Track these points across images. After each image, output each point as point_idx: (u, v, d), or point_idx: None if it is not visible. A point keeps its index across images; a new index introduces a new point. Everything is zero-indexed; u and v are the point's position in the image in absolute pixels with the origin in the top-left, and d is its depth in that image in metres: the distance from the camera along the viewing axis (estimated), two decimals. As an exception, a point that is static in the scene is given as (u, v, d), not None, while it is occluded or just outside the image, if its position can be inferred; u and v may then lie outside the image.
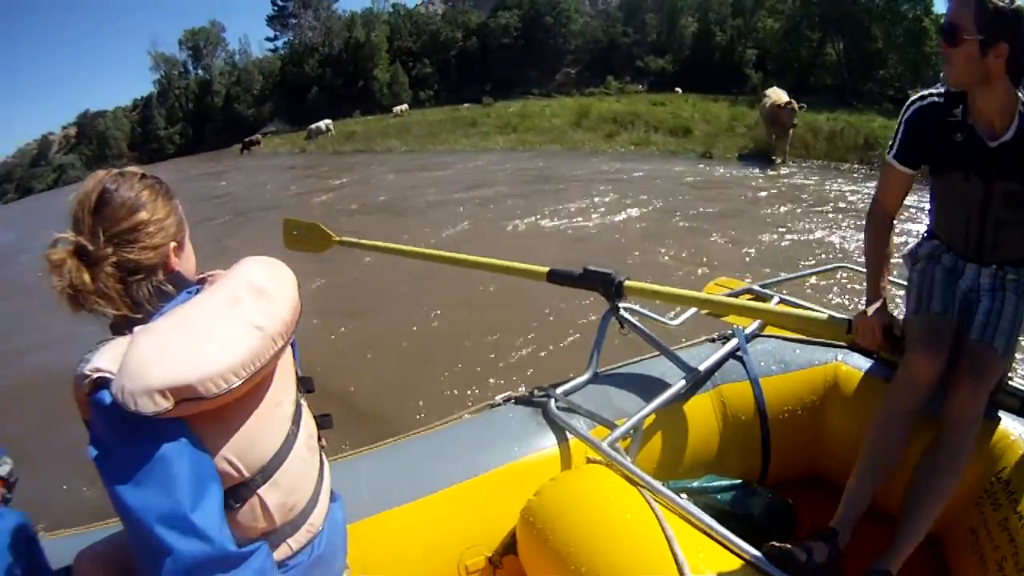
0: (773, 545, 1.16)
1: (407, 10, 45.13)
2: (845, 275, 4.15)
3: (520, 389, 1.88)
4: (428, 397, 3.37)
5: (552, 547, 1.20)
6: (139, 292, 0.88)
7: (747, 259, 5.71)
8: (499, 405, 1.68)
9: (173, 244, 0.95)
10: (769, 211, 7.47)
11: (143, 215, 0.90)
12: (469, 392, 3.34)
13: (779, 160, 10.21)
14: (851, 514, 1.32)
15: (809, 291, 4.12)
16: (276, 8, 46.25)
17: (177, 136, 49.36)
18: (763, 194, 8.48)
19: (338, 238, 2.48)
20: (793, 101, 9.52)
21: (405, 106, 33.71)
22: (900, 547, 1.28)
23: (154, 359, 0.78)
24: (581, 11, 46.82)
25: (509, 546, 1.36)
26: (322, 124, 25.77)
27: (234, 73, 48.48)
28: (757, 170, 9.98)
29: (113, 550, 1.08)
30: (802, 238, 6.26)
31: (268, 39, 48.68)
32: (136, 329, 0.82)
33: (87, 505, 2.57)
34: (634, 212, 7.80)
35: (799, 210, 7.35)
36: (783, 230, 6.53)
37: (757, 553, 1.12)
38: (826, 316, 1.58)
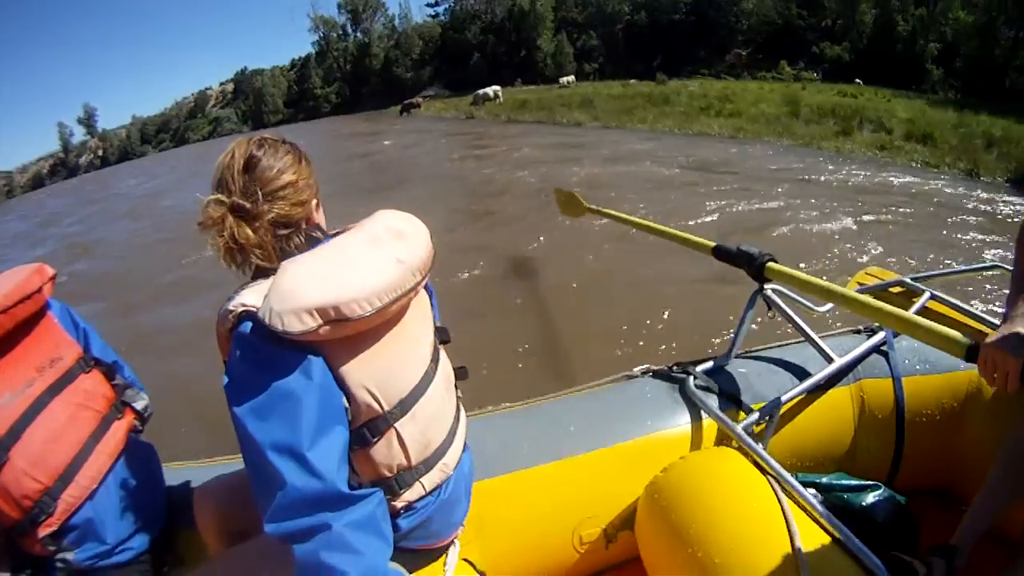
0: (896, 555, 1.20)
1: (574, -21, 43.63)
2: (1001, 277, 3.63)
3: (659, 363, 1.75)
4: (567, 360, 3.29)
5: (672, 525, 1.19)
6: (290, 243, 0.94)
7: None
8: (637, 377, 1.65)
9: (315, 200, 1.00)
10: None
11: (290, 175, 0.94)
12: (608, 358, 3.23)
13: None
14: (973, 533, 1.26)
15: (969, 289, 3.81)
16: (439, -27, 46.46)
17: (333, 96, 51.13)
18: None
19: (587, 206, 2.64)
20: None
21: (572, 77, 32.49)
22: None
23: (302, 283, 0.82)
24: (753, -11, 43.45)
25: (627, 521, 1.36)
26: (490, 91, 25.06)
27: (393, 37, 49.33)
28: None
29: (230, 487, 1.22)
30: None
31: (428, 4, 49.02)
32: (283, 263, 0.86)
33: (202, 443, 2.70)
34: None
35: None
36: None
37: (878, 562, 1.08)
38: (955, 335, 1.18)
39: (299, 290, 0.80)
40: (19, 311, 1.13)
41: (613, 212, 2.39)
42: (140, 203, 16.01)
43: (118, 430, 1.27)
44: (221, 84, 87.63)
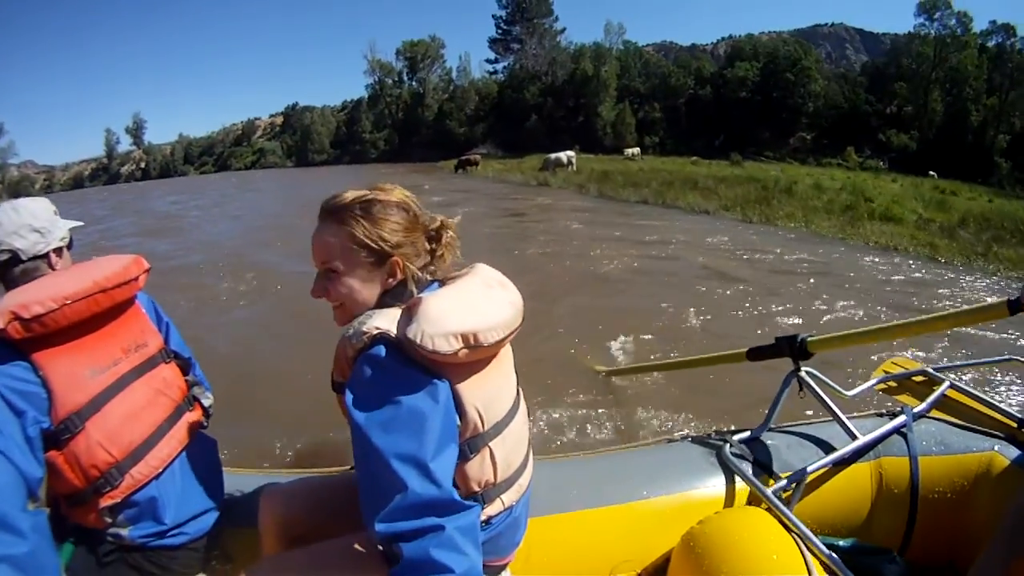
0: None
1: (638, 49, 43.07)
2: (1016, 369, 3.84)
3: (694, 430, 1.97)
4: (611, 423, 3.37)
5: (705, 573, 1.25)
6: (418, 280, 1.04)
7: None
8: (676, 441, 1.77)
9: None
10: None
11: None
12: (649, 426, 3.31)
13: None
14: None
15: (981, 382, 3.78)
16: (501, 32, 46.34)
17: (382, 142, 50.87)
18: None
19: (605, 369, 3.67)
20: None
21: (637, 149, 30.95)
22: None
23: (447, 312, 0.93)
24: (820, 71, 42.38)
25: (659, 568, 1.44)
26: (563, 155, 22.72)
27: (448, 89, 49.11)
28: None
29: (297, 492, 1.28)
30: None
31: (488, 61, 48.89)
32: (422, 295, 0.97)
33: (261, 453, 2.93)
34: None
35: None
36: None
37: None
38: (993, 301, 1.49)
39: (445, 318, 0.91)
40: (116, 294, 1.19)
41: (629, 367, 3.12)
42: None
43: (189, 420, 1.34)
44: (271, 116, 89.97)
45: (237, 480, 1.51)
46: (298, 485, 1.31)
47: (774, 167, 25.64)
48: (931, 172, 26.56)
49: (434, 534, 0.83)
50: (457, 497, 0.88)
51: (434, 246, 1.08)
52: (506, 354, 1.12)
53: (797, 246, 8.82)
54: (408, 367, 0.90)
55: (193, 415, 1.36)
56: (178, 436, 1.28)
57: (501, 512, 1.06)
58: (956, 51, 33.53)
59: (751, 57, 39.72)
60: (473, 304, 0.99)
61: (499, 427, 1.03)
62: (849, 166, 31.96)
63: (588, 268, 7.74)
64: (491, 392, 1.02)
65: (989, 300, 1.54)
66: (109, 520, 1.16)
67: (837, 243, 9.30)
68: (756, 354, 1.84)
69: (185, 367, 1.41)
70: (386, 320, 0.93)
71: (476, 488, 1.01)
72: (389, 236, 1.00)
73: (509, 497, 1.08)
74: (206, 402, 1.43)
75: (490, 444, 1.01)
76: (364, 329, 0.92)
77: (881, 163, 34.33)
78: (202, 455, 1.35)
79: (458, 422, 0.95)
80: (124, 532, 1.17)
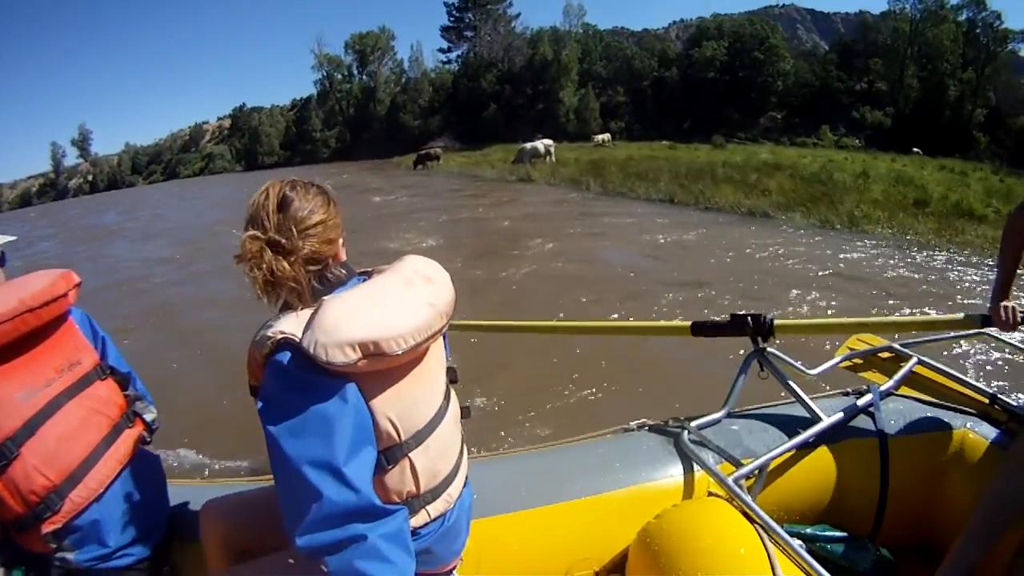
0: None
1: (598, 32, 40.82)
2: (986, 342, 3.75)
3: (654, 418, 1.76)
4: (565, 414, 3.31)
5: (663, 570, 1.22)
6: (321, 279, 0.98)
7: None
8: (633, 430, 1.69)
9: (340, 239, 1.05)
10: None
11: (320, 215, 0.99)
12: (604, 414, 3.11)
13: None
14: None
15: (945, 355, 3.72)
16: (453, 19, 43.66)
17: (333, 140, 47.79)
18: None
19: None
20: None
21: (607, 135, 28.80)
22: None
23: (345, 319, 0.86)
24: (787, 49, 40.92)
25: (618, 565, 1.39)
26: (539, 144, 20.04)
27: (400, 82, 46.22)
28: None
29: (238, 505, 1.25)
30: None
31: (441, 50, 46.02)
32: (324, 298, 0.90)
33: (206, 464, 2.88)
34: None
35: None
36: None
37: None
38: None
39: (342, 325, 0.85)
40: (44, 312, 1.15)
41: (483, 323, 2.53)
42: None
43: (128, 438, 1.28)
44: (219, 119, 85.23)
45: (183, 493, 1.44)
46: (239, 497, 1.27)
47: (763, 149, 24.06)
48: (916, 149, 25.55)
49: (357, 545, 0.80)
50: (378, 502, 0.85)
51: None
52: (434, 355, 1.06)
53: (937, 265, 6.30)
54: (312, 372, 0.85)
55: (133, 432, 1.30)
56: (117, 455, 1.23)
57: (429, 523, 1.02)
58: (933, 25, 32.64)
59: (715, 37, 37.90)
60: (380, 308, 0.92)
61: (420, 436, 0.99)
62: (824, 145, 30.76)
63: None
64: (408, 400, 0.97)
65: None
66: (54, 545, 1.12)
67: (955, 254, 6.76)
68: (706, 330, 1.75)
69: (124, 382, 1.35)
70: (291, 324, 0.89)
71: (397, 499, 0.97)
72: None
73: (436, 508, 1.03)
74: (149, 416, 1.36)
75: (410, 455, 0.97)
76: (268, 334, 0.89)
77: (857, 141, 33.25)
78: (145, 472, 1.30)
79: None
80: (70, 556, 1.14)
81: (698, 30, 39.50)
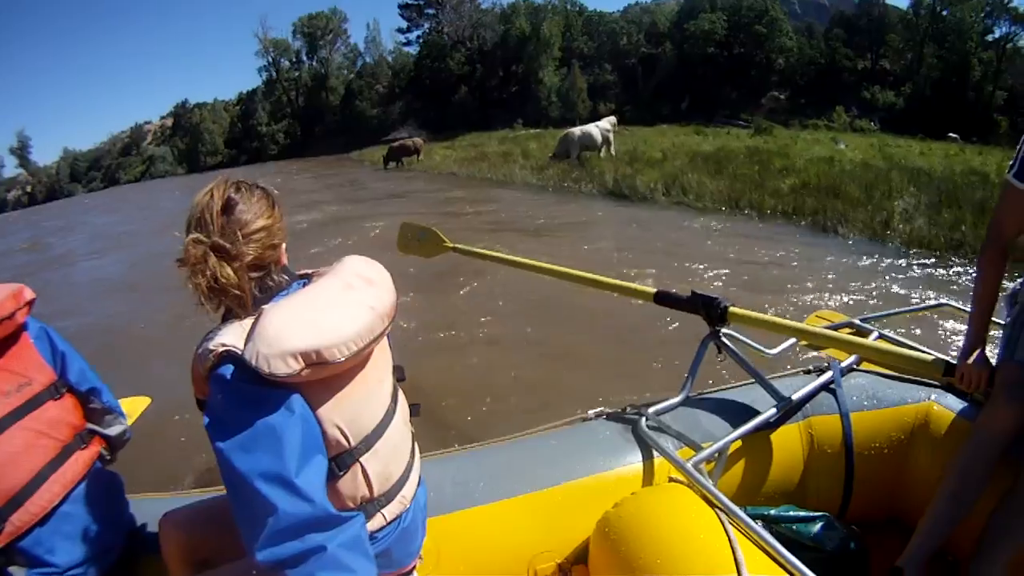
0: None
1: (580, 4, 36.11)
2: (945, 314, 3.82)
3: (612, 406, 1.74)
4: (519, 406, 3.24)
5: (623, 559, 1.21)
6: (263, 285, 0.97)
7: None
8: (591, 419, 1.68)
9: (283, 244, 1.03)
10: None
11: (265, 219, 0.97)
12: (562, 404, 2.97)
13: None
14: (921, 554, 1.30)
15: (911, 328, 3.78)
16: (412, -7, 38.40)
17: (281, 135, 42.20)
18: None
19: (452, 245, 2.72)
20: None
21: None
22: None
23: (286, 329, 0.84)
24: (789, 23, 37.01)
25: (581, 556, 1.38)
26: (594, 129, 14.00)
27: (355, 67, 40.85)
28: None
29: (196, 516, 1.22)
30: None
31: (400, 30, 40.67)
32: (264, 307, 0.88)
33: (169, 475, 2.80)
34: None
35: None
36: None
37: None
38: (929, 357, 1.53)
39: (283, 335, 0.83)
40: None
41: (487, 252, 2.57)
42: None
43: (78, 460, 1.27)
44: (162, 118, 78.13)
45: (144, 506, 1.43)
46: (198, 507, 1.26)
47: (817, 135, 20.94)
48: (952, 134, 22.55)
49: (317, 556, 0.79)
50: (333, 510, 0.83)
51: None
52: (379, 357, 1.05)
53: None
54: (256, 384, 0.83)
55: (85, 453, 1.29)
56: (63, 479, 1.22)
57: (385, 526, 1.02)
58: (958, 1, 29.64)
59: (710, 9, 33.69)
60: (321, 314, 0.90)
61: (370, 440, 0.98)
62: (838, 128, 27.58)
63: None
64: (354, 405, 0.96)
65: (939, 356, 1.47)
66: (2, 561, 1.13)
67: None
68: (666, 300, 1.78)
69: (85, 398, 1.34)
70: (233, 335, 0.87)
71: (351, 505, 0.96)
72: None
73: (392, 510, 1.03)
74: (117, 430, 1.37)
75: (360, 460, 0.96)
76: (211, 347, 0.87)
77: (872, 123, 29.80)
78: (98, 491, 1.29)
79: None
80: (21, 575, 1.15)
81: (688, 1, 35.19)
